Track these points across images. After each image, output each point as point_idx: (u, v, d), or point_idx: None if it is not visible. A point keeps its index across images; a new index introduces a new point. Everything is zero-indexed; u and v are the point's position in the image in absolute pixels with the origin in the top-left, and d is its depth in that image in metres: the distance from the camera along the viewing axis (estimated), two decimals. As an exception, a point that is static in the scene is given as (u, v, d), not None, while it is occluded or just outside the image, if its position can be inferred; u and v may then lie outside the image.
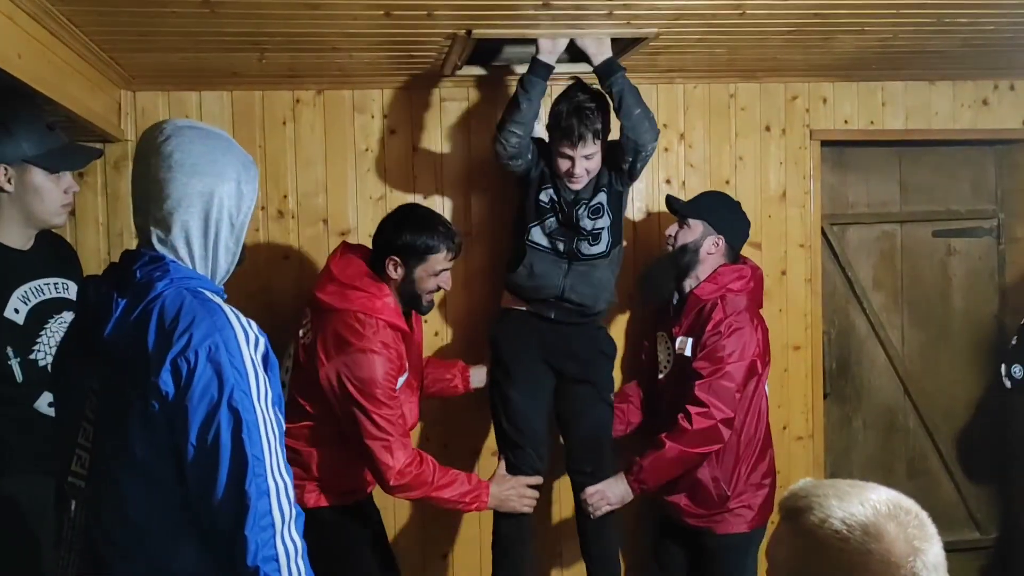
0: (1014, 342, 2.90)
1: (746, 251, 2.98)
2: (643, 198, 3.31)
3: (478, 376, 2.95)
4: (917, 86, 3.43)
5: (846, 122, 3.40)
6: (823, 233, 3.51)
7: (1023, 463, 2.85)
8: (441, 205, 3.18)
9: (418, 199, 3.16)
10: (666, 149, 3.30)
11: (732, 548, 2.77)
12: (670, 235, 2.85)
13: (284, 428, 1.59)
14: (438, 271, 2.55)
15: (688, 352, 2.77)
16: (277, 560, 1.47)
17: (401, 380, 2.54)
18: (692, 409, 2.63)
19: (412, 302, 2.59)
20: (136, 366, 1.46)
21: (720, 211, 2.84)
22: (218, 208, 1.55)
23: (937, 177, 3.72)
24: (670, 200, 2.89)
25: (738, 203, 2.92)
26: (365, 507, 2.70)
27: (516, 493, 2.67)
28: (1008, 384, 2.87)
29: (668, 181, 3.31)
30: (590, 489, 2.74)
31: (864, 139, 3.46)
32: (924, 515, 1.12)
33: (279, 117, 3.09)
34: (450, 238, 2.56)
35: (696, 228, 2.79)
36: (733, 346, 2.67)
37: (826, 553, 1.07)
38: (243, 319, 1.52)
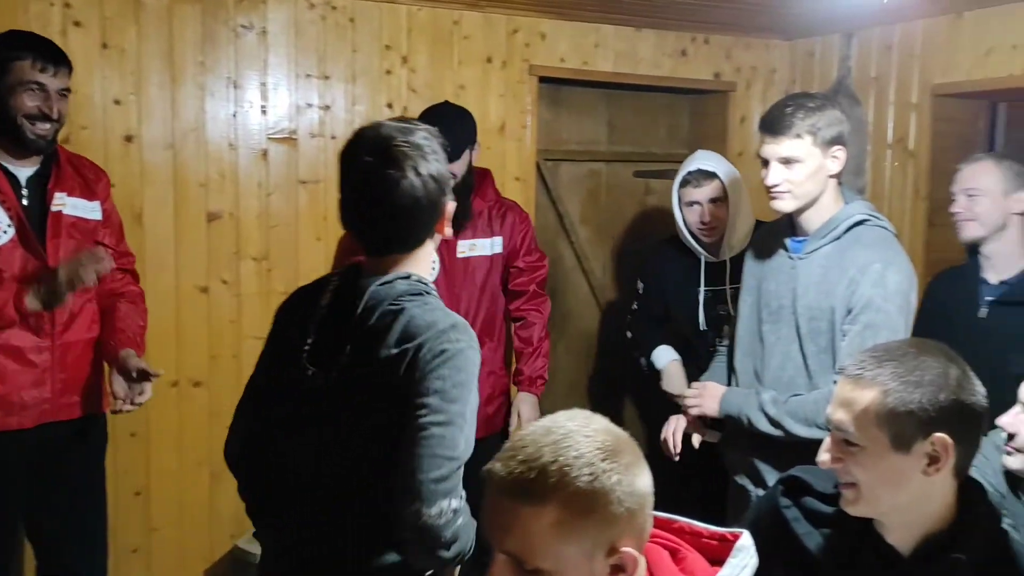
0: (635, 307, 3.15)
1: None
2: (364, 121, 3.17)
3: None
4: (626, 31, 3.62)
5: (562, 60, 3.52)
6: (537, 168, 3.64)
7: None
8: (139, 111, 2.87)
9: (109, 104, 2.82)
10: (388, 72, 3.22)
11: None
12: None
13: None
14: (25, 81, 2.22)
15: (491, 252, 2.88)
16: None
17: None
18: (537, 301, 2.99)
19: (14, 132, 2.25)
20: None
21: (467, 126, 2.79)
22: None
23: (639, 120, 3.99)
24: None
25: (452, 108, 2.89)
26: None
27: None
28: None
29: (390, 105, 3.24)
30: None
31: (578, 78, 3.60)
32: (632, 441, 1.15)
33: (-72, -8, 2.60)
34: (35, 45, 2.25)
35: (465, 156, 2.74)
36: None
37: (601, 506, 1.06)
38: None
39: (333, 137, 3.16)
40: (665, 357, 3.02)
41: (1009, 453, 1.61)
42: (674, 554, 1.21)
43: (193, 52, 2.93)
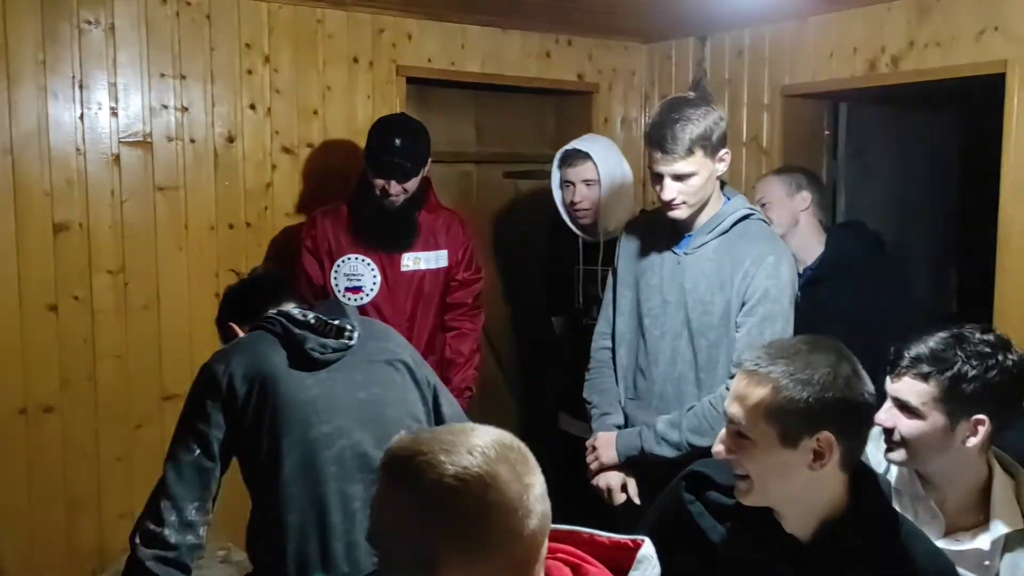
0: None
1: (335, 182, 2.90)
2: (225, 123, 3.05)
3: None
4: (492, 32, 3.61)
5: (430, 60, 3.47)
6: (407, 169, 3.57)
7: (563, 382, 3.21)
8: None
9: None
10: (249, 71, 3.08)
11: None
12: (397, 193, 2.75)
13: None
14: None
15: (436, 266, 2.88)
16: None
17: None
18: (472, 314, 2.99)
19: None
20: None
21: (426, 142, 2.83)
22: None
23: (507, 121, 4.00)
24: (396, 169, 2.72)
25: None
26: None
27: None
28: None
29: (252, 107, 3.09)
30: None
31: (446, 79, 3.56)
32: (524, 447, 1.12)
33: None
34: None
35: (421, 172, 2.79)
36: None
37: (445, 510, 1.03)
38: None
39: (192, 140, 2.99)
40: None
41: (891, 448, 1.70)
42: (576, 570, 1.18)
43: (32, 50, 2.69)
